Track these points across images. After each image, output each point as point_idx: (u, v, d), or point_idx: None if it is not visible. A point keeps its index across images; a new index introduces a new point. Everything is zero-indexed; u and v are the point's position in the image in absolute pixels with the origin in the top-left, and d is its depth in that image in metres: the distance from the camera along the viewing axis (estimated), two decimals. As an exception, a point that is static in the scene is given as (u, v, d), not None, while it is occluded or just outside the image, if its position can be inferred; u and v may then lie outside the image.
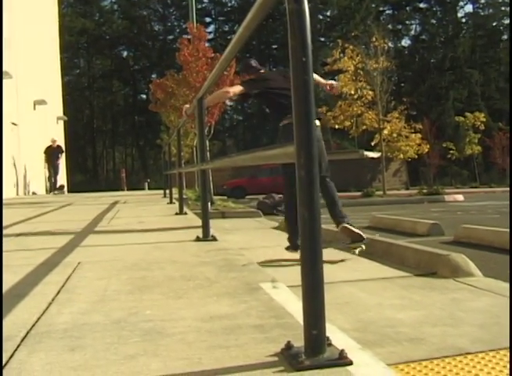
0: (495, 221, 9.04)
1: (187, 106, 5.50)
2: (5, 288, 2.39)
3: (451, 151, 36.15)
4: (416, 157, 26.99)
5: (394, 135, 24.99)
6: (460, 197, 19.89)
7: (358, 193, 22.54)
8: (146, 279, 2.61)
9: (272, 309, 1.99)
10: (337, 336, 1.63)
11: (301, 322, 1.52)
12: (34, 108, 20.10)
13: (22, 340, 1.69)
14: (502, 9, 51.42)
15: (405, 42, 55.88)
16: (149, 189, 28.05)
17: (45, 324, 1.87)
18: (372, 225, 9.06)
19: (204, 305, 2.08)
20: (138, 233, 4.85)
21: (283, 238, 4.89)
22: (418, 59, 52.67)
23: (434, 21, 53.81)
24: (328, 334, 1.49)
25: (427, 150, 27.03)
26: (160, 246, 3.79)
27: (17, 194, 16.85)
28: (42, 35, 22.65)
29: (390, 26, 50.22)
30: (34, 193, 18.89)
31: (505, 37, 50.92)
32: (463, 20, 55.15)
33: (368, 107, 24.06)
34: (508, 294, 3.10)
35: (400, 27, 54.90)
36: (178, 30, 52.92)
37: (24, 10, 18.94)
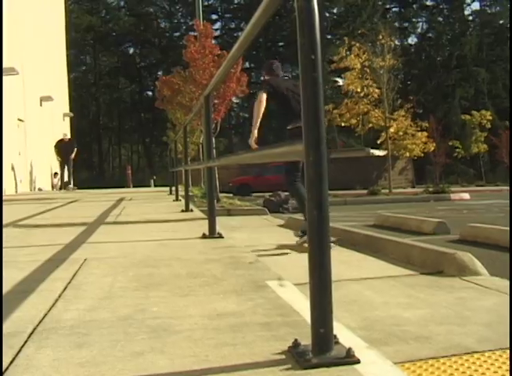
0: (502, 219, 8.99)
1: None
2: (11, 284, 2.39)
3: (457, 149, 36.04)
4: (422, 155, 26.95)
5: (401, 133, 24.96)
6: (466, 196, 19.83)
7: (364, 191, 22.53)
8: (152, 276, 2.62)
9: (279, 306, 1.99)
10: (343, 334, 1.63)
11: (308, 320, 1.52)
12: (41, 104, 20.14)
13: (29, 336, 1.69)
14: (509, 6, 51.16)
15: (412, 40, 55.64)
16: (154, 186, 28.11)
17: (52, 321, 1.87)
18: (377, 224, 9.04)
19: (211, 302, 2.08)
20: (144, 230, 4.87)
21: (289, 236, 4.90)
22: (424, 57, 52.43)
23: (440, 19, 53.53)
24: (335, 332, 1.48)
25: (433, 148, 27.01)
26: (166, 243, 3.80)
27: (18, 192, 16.89)
28: (49, 32, 22.69)
29: (396, 23, 50.14)
30: (40, 189, 18.94)
31: (511, 35, 50.65)
32: (470, 18, 54.84)
33: (374, 105, 24.05)
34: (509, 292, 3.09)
35: (407, 24, 54.63)
36: (184, 27, 52.87)
37: (31, 7, 18.98)
